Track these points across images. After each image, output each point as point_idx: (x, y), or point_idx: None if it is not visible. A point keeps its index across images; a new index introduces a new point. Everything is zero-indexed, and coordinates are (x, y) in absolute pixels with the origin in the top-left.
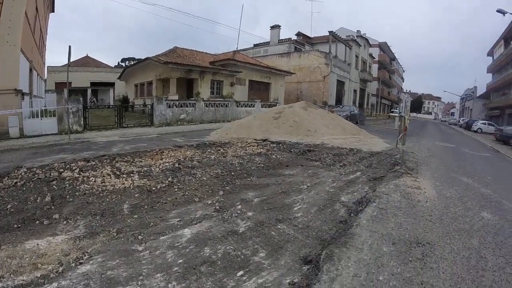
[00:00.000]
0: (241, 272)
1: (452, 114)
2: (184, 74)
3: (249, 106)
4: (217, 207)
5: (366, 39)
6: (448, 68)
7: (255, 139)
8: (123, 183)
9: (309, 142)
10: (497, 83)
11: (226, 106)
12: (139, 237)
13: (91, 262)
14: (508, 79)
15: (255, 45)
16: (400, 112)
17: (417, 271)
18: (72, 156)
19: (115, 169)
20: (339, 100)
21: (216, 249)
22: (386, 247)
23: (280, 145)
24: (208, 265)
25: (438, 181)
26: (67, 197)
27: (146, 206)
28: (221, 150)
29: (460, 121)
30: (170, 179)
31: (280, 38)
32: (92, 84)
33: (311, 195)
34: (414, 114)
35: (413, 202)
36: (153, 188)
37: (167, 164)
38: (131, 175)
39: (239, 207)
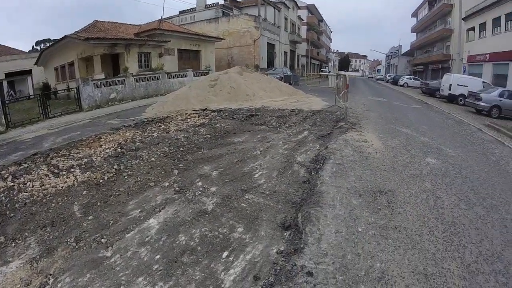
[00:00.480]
0: (226, 253)
1: (378, 71)
2: (108, 50)
3: (182, 77)
4: (177, 188)
5: (295, 1)
6: (374, 28)
7: (194, 110)
8: (65, 182)
9: (250, 106)
10: (420, 42)
11: (158, 79)
12: (102, 240)
13: (59, 285)
14: (431, 38)
15: (181, 12)
16: (329, 71)
17: (388, 218)
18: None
19: (52, 167)
20: (270, 63)
21: (191, 235)
22: (355, 200)
23: (221, 112)
24: (189, 253)
25: (381, 133)
26: (7, 212)
27: (98, 203)
28: (162, 126)
29: (387, 77)
30: (116, 166)
31: (207, 3)
32: (7, 75)
33: (267, 159)
34: (342, 72)
35: (364, 154)
36: (101, 181)
37: (108, 150)
38: (72, 170)
39: (199, 183)
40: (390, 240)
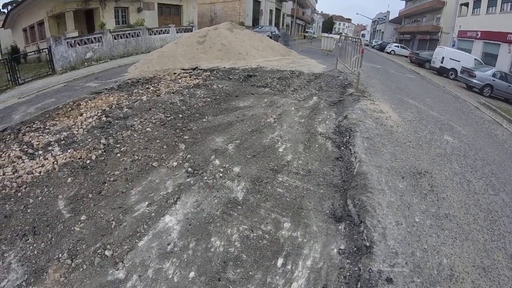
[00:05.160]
0: (280, 260)
1: (363, 35)
2: (81, 5)
3: (163, 33)
4: (189, 169)
5: None
6: None
7: (183, 69)
8: (43, 165)
9: (245, 66)
10: (410, 10)
11: (138, 35)
12: (107, 253)
13: None
14: (422, 8)
15: None
16: (314, 32)
17: (437, 205)
18: None
19: (25, 147)
20: (256, 21)
21: (227, 237)
22: (400, 183)
23: (215, 72)
24: (234, 265)
25: (392, 103)
26: None
27: (90, 195)
28: (151, 88)
29: (373, 42)
30: (103, 140)
31: None
32: None
33: (285, 129)
34: (326, 34)
35: (387, 127)
36: (87, 161)
37: (90, 120)
38: (49, 148)
39: (217, 162)
40: (446, 231)
